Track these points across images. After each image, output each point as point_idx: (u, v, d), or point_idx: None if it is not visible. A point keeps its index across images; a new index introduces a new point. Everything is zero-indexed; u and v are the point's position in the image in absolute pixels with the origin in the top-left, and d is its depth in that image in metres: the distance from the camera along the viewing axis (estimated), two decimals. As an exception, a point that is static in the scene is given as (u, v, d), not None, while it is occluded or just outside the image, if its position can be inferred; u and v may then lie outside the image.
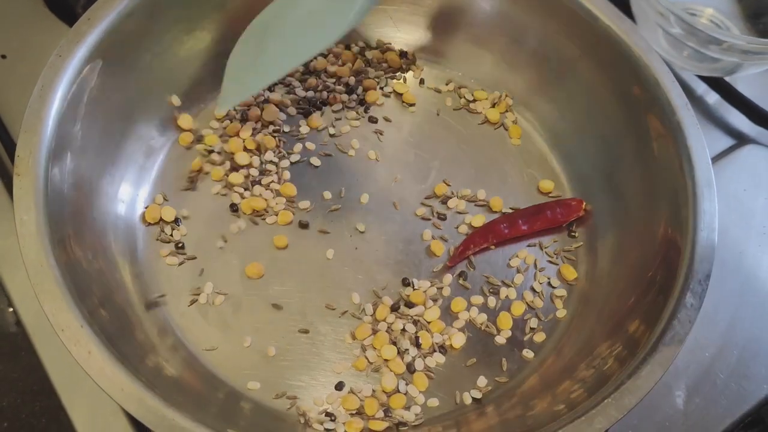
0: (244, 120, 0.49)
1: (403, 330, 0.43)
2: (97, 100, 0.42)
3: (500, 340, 0.44)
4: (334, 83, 0.52)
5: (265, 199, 0.47)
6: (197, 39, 0.48)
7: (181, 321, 0.42)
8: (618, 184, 0.47)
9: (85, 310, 0.34)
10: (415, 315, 0.44)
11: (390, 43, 0.54)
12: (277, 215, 0.46)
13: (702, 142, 0.42)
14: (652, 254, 0.42)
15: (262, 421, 0.40)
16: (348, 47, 0.53)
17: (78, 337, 0.33)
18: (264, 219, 0.46)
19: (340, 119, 0.51)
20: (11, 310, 0.44)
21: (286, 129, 0.50)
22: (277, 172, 0.48)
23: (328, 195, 0.48)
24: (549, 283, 0.46)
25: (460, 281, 0.45)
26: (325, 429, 0.39)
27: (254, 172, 0.48)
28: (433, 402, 0.41)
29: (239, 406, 0.40)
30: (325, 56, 0.53)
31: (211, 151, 0.48)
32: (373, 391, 0.41)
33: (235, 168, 0.48)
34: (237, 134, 0.49)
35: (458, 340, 0.43)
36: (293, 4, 0.41)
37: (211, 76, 0.50)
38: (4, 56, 0.52)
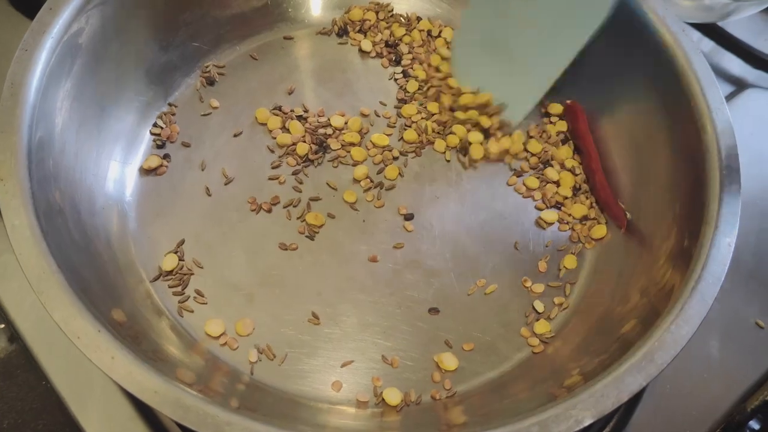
0: None
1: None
2: (71, 93, 0.40)
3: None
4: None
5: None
6: (165, 23, 0.46)
7: (191, 318, 0.40)
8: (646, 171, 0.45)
9: (98, 313, 0.32)
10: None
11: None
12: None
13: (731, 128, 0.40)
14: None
15: (281, 408, 0.38)
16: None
17: (97, 343, 0.31)
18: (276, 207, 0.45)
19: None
20: (3, 326, 0.42)
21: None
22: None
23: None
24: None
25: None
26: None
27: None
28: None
29: (258, 394, 0.38)
30: None
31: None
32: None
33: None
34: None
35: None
36: None
37: (182, 60, 0.48)
38: (-32, 58, 0.49)
